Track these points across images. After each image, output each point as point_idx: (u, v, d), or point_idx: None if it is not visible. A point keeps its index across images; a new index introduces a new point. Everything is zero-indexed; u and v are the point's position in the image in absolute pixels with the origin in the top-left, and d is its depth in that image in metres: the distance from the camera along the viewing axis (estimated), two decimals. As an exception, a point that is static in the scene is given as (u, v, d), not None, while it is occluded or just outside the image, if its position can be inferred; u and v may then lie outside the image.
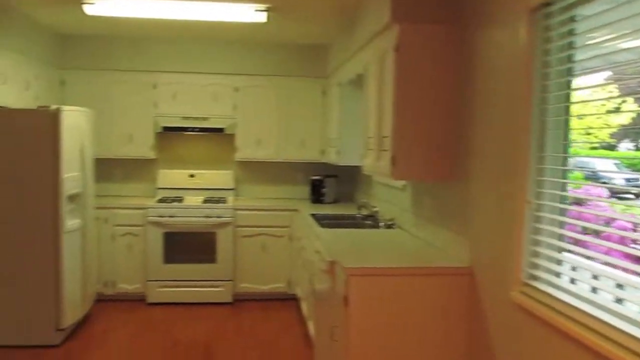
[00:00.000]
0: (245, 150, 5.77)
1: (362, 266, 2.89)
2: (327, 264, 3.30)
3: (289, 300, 5.56)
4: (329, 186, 5.79)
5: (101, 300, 5.26)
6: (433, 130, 3.19)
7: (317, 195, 5.79)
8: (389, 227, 4.21)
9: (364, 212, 4.86)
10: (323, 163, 5.97)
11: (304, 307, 4.78)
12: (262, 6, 4.25)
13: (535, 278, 2.39)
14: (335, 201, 5.86)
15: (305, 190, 6.11)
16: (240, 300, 5.52)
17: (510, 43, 2.55)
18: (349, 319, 2.85)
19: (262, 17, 4.39)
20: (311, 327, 4.28)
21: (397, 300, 2.89)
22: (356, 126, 4.93)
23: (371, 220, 4.59)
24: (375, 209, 4.64)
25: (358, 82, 4.73)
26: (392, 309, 2.88)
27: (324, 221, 4.45)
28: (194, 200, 5.59)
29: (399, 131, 3.16)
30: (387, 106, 3.32)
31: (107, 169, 5.82)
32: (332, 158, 5.24)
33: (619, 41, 1.96)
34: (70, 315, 4.40)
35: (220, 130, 5.65)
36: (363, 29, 3.92)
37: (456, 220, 3.15)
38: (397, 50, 3.13)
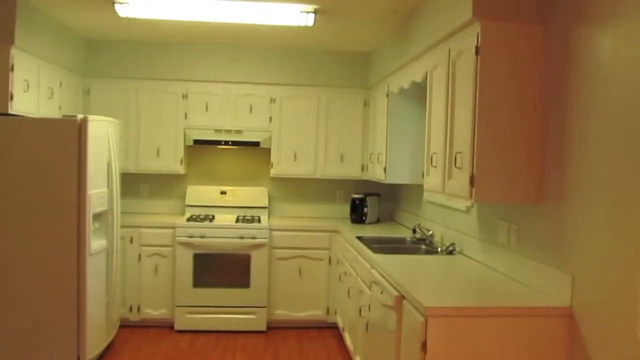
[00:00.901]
0: (281, 166, 5.36)
1: (444, 305, 2.44)
2: (393, 298, 2.85)
3: (327, 329, 5.11)
4: (371, 205, 5.35)
5: (125, 326, 4.84)
6: (519, 145, 2.75)
7: (358, 215, 5.35)
8: (449, 253, 3.76)
9: (417, 235, 4.42)
10: (363, 180, 5.55)
11: (348, 339, 4.32)
12: (310, 7, 3.85)
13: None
14: (377, 221, 5.42)
15: (344, 210, 5.68)
16: (275, 328, 5.08)
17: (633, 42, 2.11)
18: (428, 368, 2.40)
19: (309, 20, 4.00)
20: (360, 364, 3.83)
21: (484, 345, 2.43)
22: (406, 140, 4.52)
23: (425, 245, 4.14)
24: (429, 233, 4.19)
25: (411, 91, 4.33)
26: (477, 356, 2.43)
27: (374, 245, 4.01)
28: (225, 219, 5.17)
29: (480, 147, 2.72)
30: (462, 118, 2.89)
31: (133, 184, 5.44)
32: (378, 175, 4.81)
33: None
34: (93, 345, 3.98)
35: (255, 144, 5.24)
36: (426, 30, 3.50)
37: (546, 249, 2.69)
38: (478, 53, 2.71)
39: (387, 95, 4.58)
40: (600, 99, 2.31)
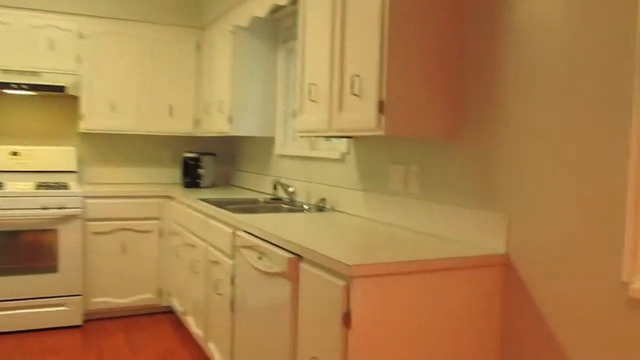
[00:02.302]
0: (95, 119, 4.30)
1: (371, 262, 1.85)
2: (285, 262, 2.18)
3: (161, 314, 4.26)
4: (208, 166, 4.57)
5: None
6: (435, 68, 2.26)
7: (192, 178, 4.54)
8: (319, 209, 3.20)
9: (273, 195, 3.78)
10: (194, 138, 4.75)
11: (193, 324, 3.55)
12: None
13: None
14: (213, 186, 4.66)
15: (173, 173, 4.82)
16: (94, 320, 4.07)
17: None
18: (353, 344, 1.79)
19: None
20: (214, 350, 3.10)
21: (416, 308, 1.90)
22: (254, 85, 3.90)
23: (286, 204, 3.52)
24: (291, 190, 3.57)
25: (259, 28, 3.70)
26: (409, 322, 1.89)
27: (228, 206, 3.28)
28: (20, 187, 3.99)
29: (392, 67, 2.17)
30: (361, 35, 2.30)
31: None
32: (219, 127, 4.06)
33: None
34: None
35: (58, 89, 4.10)
36: None
37: (468, 191, 2.26)
38: (387, -56, 2.13)
39: (233, 32, 3.83)
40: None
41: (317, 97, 2.65)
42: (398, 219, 2.65)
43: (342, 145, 3.13)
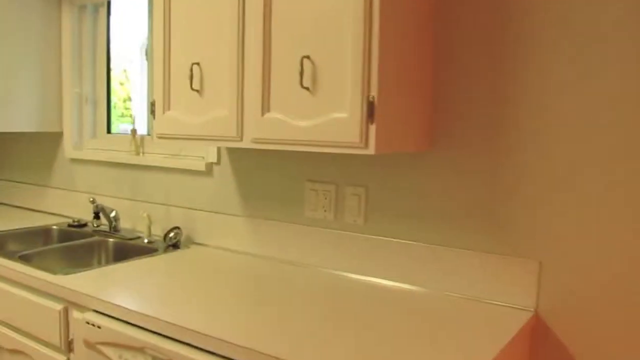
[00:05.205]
0: None
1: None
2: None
3: None
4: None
5: None
6: (415, 65, 1.54)
7: None
8: (172, 246, 2.19)
9: (77, 220, 2.58)
10: None
11: None
12: None
13: None
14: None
15: None
16: None
17: None
18: None
19: None
20: None
21: None
22: (26, 61, 2.63)
23: (105, 235, 2.38)
24: (112, 214, 2.43)
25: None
26: None
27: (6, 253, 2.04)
28: None
29: (384, 57, 1.38)
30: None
31: None
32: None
33: None
34: None
35: None
36: None
37: (477, 227, 1.61)
38: None
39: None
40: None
41: (208, 86, 1.68)
42: (322, 257, 1.87)
43: (209, 151, 2.18)
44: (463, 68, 1.58)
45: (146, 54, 2.68)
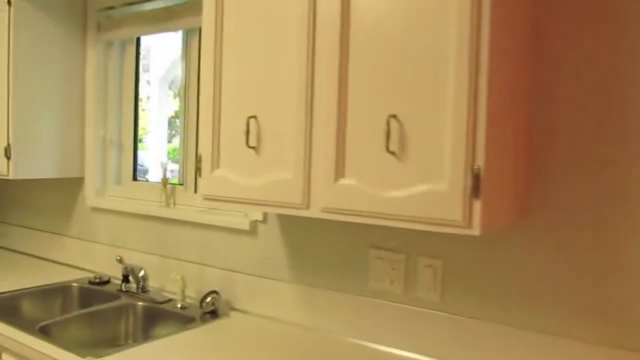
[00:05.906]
0: None
1: None
2: None
3: None
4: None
5: None
6: (514, 126, 1.33)
7: None
8: (211, 313, 1.95)
9: (101, 272, 2.34)
10: None
11: None
12: None
13: None
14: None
15: None
16: None
17: None
18: None
19: None
20: None
21: None
22: (48, 98, 2.43)
23: (141, 298, 2.14)
24: (140, 273, 2.19)
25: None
26: None
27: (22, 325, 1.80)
28: None
29: (492, 117, 1.17)
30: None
31: None
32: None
33: None
34: None
35: None
36: None
37: (586, 315, 1.37)
38: None
39: (9, 3, 2.27)
40: None
41: (267, 143, 1.46)
42: (384, 334, 1.63)
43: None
44: (565, 118, 1.36)
45: (178, 93, 2.49)
